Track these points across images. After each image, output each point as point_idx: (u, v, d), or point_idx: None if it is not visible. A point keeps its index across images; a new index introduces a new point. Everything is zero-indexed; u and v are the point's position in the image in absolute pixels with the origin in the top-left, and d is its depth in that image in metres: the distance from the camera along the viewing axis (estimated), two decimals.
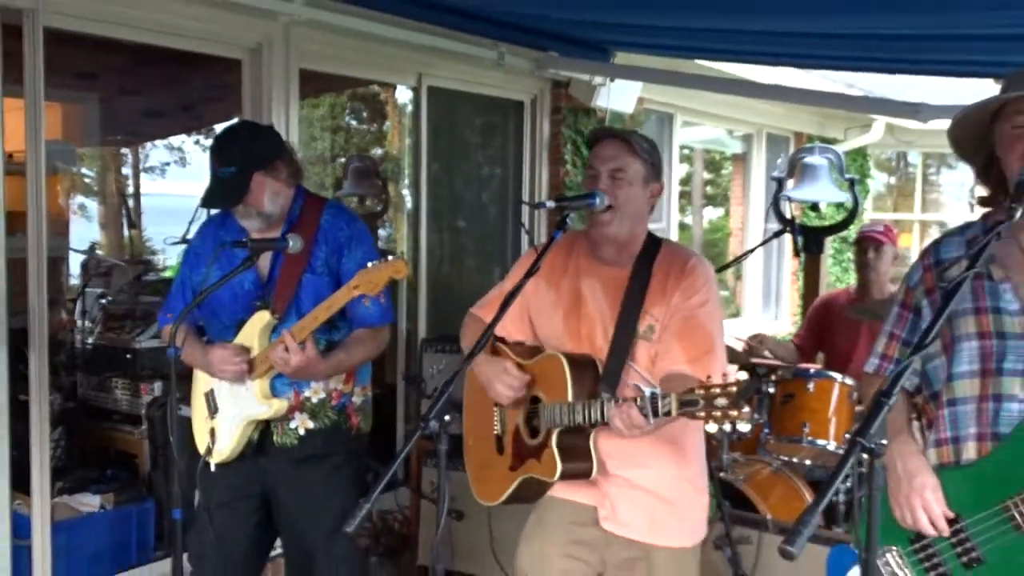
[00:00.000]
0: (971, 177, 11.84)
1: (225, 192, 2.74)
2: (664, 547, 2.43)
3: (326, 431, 2.83)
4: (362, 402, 2.96)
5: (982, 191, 2.06)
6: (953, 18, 3.32)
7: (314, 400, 2.82)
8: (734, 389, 1.96)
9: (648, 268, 2.44)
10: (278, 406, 2.75)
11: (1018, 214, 1.78)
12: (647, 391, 2.09)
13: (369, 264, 2.53)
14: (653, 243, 2.50)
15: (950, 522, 1.94)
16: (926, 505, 1.93)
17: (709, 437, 3.67)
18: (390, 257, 2.52)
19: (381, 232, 6.28)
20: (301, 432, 2.81)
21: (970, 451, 1.95)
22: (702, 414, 1.99)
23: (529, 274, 2.26)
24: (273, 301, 2.78)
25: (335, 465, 2.86)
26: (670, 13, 3.93)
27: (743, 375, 2.02)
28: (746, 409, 1.95)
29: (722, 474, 3.70)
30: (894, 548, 2.02)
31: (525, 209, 5.84)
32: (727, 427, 1.97)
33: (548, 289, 2.51)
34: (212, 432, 2.80)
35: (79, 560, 3.72)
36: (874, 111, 7.50)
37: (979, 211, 2.14)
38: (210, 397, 2.84)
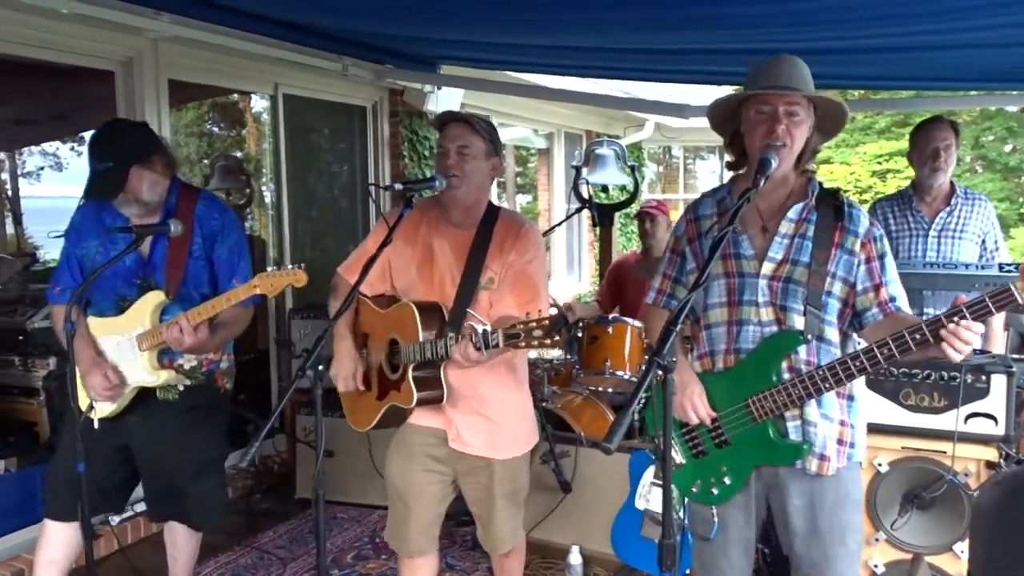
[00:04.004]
0: (719, 164, 12.46)
1: (104, 185, 2.56)
2: (500, 459, 2.48)
3: (195, 389, 2.73)
4: (227, 367, 2.87)
5: (729, 157, 2.18)
6: (707, 34, 3.50)
7: (187, 367, 2.72)
8: (547, 323, 2.02)
9: (489, 231, 2.45)
10: (166, 376, 2.64)
11: (762, 183, 1.92)
12: (479, 328, 2.12)
13: (269, 269, 2.42)
14: (493, 210, 2.51)
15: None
16: (695, 406, 2.07)
17: (532, 373, 3.78)
18: (290, 266, 2.41)
19: (245, 223, 6.04)
20: (180, 388, 2.71)
21: (720, 362, 2.10)
22: (523, 344, 2.04)
23: (383, 245, 2.22)
24: (157, 281, 2.63)
25: (200, 419, 2.75)
26: (483, 30, 3.95)
27: (554, 311, 2.07)
28: (557, 337, 2.01)
29: (544, 404, 3.81)
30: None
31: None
32: (544, 353, 2.03)
33: (405, 247, 2.48)
34: None
35: None
36: (649, 111, 7.80)
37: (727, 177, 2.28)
38: None
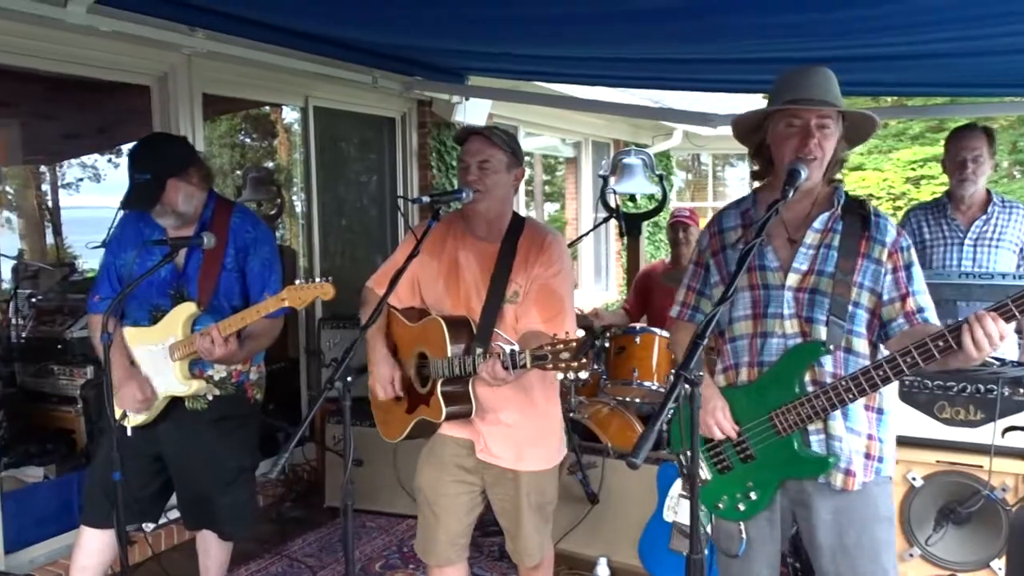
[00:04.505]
0: (747, 172, 12.41)
1: (141, 196, 2.62)
2: (527, 471, 2.47)
3: (226, 399, 2.76)
4: (257, 378, 2.89)
5: (755, 166, 2.15)
6: (737, 44, 3.48)
7: (216, 378, 2.75)
8: (574, 345, 2.01)
9: (514, 243, 2.44)
10: (197, 386, 2.68)
11: (791, 194, 1.91)
12: (507, 348, 2.12)
13: (297, 282, 2.45)
14: (518, 222, 2.50)
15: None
16: (718, 421, 2.05)
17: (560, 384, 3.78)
18: (319, 279, 2.44)
19: (276, 233, 6.13)
20: (209, 399, 2.74)
21: (743, 375, 2.09)
22: (550, 366, 2.04)
23: (411, 257, 2.24)
24: (190, 292, 2.68)
25: (230, 429, 2.78)
26: (511, 42, 3.98)
27: (582, 332, 2.07)
28: (584, 360, 2.00)
29: (571, 414, 3.80)
30: None
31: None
32: (571, 375, 2.02)
33: (431, 261, 2.49)
34: None
35: (28, 524, 3.52)
36: (677, 120, 7.78)
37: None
38: None
